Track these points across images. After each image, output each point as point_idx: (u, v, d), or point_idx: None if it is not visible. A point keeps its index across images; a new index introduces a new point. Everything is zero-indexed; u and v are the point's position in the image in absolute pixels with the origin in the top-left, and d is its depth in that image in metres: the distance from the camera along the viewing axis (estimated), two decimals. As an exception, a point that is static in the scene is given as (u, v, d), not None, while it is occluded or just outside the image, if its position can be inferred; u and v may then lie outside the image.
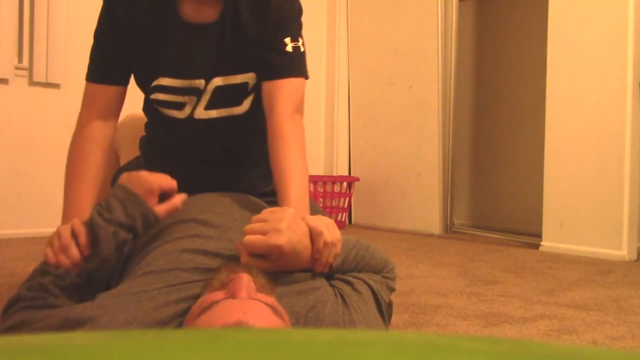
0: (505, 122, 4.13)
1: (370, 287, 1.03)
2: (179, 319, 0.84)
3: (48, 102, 3.10)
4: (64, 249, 0.96)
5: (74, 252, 0.96)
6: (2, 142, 3.03)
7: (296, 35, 1.21)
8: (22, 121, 3.05)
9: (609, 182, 2.77)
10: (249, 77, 1.21)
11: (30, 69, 3.05)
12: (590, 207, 2.83)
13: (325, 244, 0.93)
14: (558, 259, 2.71)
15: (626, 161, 2.73)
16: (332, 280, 1.00)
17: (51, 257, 0.96)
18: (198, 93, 1.21)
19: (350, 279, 1.01)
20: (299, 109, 1.19)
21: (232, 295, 0.74)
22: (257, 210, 1.01)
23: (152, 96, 1.24)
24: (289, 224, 0.90)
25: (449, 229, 3.75)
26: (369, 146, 4.10)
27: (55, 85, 3.12)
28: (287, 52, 1.18)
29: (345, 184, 3.99)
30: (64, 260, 0.96)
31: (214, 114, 1.23)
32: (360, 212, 4.15)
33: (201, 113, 1.23)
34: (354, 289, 0.99)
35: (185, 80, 1.20)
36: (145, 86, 1.25)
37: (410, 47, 3.82)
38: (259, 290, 0.79)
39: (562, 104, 2.95)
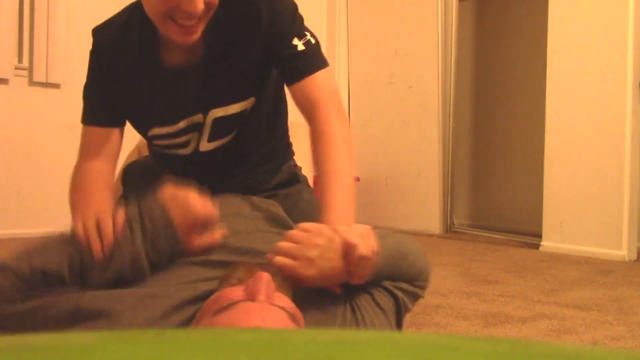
0: (505, 122, 4.13)
1: (395, 297, 0.98)
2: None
3: (48, 102, 3.10)
4: (99, 226, 0.91)
5: (109, 231, 0.90)
6: (2, 142, 3.03)
7: (301, 31, 1.18)
8: (22, 121, 3.05)
9: (609, 182, 2.77)
10: (246, 105, 1.19)
11: (30, 69, 3.05)
12: (590, 207, 2.83)
13: (360, 257, 0.88)
14: (558, 259, 2.71)
15: (626, 161, 2.73)
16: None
17: (82, 233, 0.91)
18: (199, 127, 1.19)
19: (371, 288, 0.96)
20: (337, 101, 1.16)
21: (251, 297, 0.74)
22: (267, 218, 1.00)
23: (154, 142, 1.23)
24: (321, 252, 0.87)
25: (449, 229, 3.75)
26: (369, 146, 4.10)
27: (55, 85, 3.12)
28: (301, 51, 1.15)
29: (345, 184, 3.99)
30: (95, 238, 0.90)
31: (218, 144, 1.22)
32: (360, 212, 4.13)
33: (205, 146, 1.22)
34: (373, 300, 0.95)
35: (180, 123, 1.18)
36: (142, 134, 1.24)
37: (410, 47, 3.82)
38: (277, 289, 0.78)
39: (562, 104, 2.95)
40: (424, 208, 3.75)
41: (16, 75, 3.04)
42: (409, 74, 3.82)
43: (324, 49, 1.26)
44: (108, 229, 0.91)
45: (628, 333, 1.47)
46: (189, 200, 0.94)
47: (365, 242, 0.89)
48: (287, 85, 1.18)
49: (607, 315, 1.64)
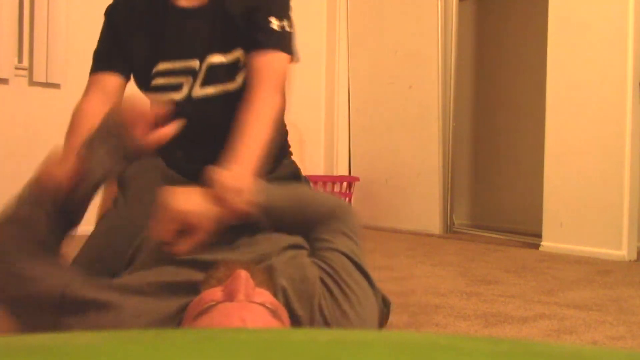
0: (505, 122, 4.13)
1: (343, 253, 1.01)
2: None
3: (48, 102, 3.10)
4: (60, 162, 0.98)
5: (70, 165, 0.97)
6: (2, 142, 3.03)
7: (282, 15, 1.26)
8: (22, 121, 3.05)
9: (609, 182, 2.77)
10: (240, 54, 1.27)
11: (30, 69, 3.05)
12: (590, 207, 2.83)
13: (226, 189, 0.98)
14: (558, 259, 2.71)
15: (626, 161, 2.73)
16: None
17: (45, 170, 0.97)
18: (194, 73, 1.27)
19: (319, 260, 0.99)
20: (280, 86, 1.24)
21: (230, 297, 0.74)
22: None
23: (153, 82, 1.29)
24: (177, 196, 0.96)
25: (449, 229, 3.75)
26: (369, 146, 4.10)
27: (55, 85, 3.12)
28: (272, 29, 1.24)
29: (345, 184, 3.99)
30: (59, 171, 0.96)
31: (210, 90, 1.27)
32: (360, 212, 4.14)
33: (198, 91, 1.28)
34: (330, 266, 0.98)
35: (181, 62, 1.26)
36: (146, 78, 1.30)
37: (410, 47, 3.82)
38: (257, 286, 0.78)
39: (562, 104, 2.95)
40: (424, 208, 3.75)
41: (16, 75, 3.04)
42: (409, 74, 3.82)
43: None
44: (69, 158, 0.99)
45: (628, 333, 1.47)
46: (140, 103, 1.04)
47: (236, 179, 1.00)
48: (246, 53, 1.25)
49: (607, 315, 1.64)
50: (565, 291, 1.97)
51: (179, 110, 1.27)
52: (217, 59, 1.26)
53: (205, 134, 1.30)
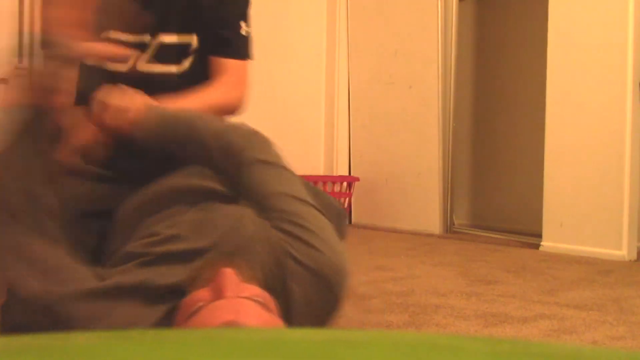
0: (505, 122, 4.13)
1: (284, 194, 0.98)
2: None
3: (48, 102, 3.10)
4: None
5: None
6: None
7: (248, 21, 1.31)
8: (22, 121, 3.05)
9: (609, 182, 2.77)
10: (192, 39, 1.27)
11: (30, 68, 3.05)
12: (590, 207, 2.83)
13: (103, 106, 1.02)
14: (558, 259, 2.71)
15: (626, 161, 2.73)
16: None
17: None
18: (144, 48, 1.27)
19: (272, 214, 0.96)
20: (243, 92, 1.29)
21: (218, 295, 0.74)
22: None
23: None
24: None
25: (449, 229, 3.75)
26: (369, 146, 4.09)
27: (55, 85, 3.12)
28: (242, 35, 1.28)
29: (345, 184, 3.99)
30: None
31: (155, 68, 1.28)
32: (360, 212, 4.15)
33: (143, 65, 1.28)
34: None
35: (133, 35, 1.26)
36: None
37: (410, 47, 3.81)
38: (245, 281, 0.78)
39: (562, 104, 2.95)
40: (424, 208, 3.75)
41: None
42: (409, 74, 3.82)
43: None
44: None
45: (628, 333, 1.47)
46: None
47: (124, 99, 1.03)
48: (210, 53, 1.28)
49: (607, 315, 1.64)
50: (565, 291, 1.97)
51: (121, 82, 1.27)
52: (169, 38, 1.27)
53: None
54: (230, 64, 1.28)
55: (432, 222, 3.70)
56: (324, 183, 3.88)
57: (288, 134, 4.04)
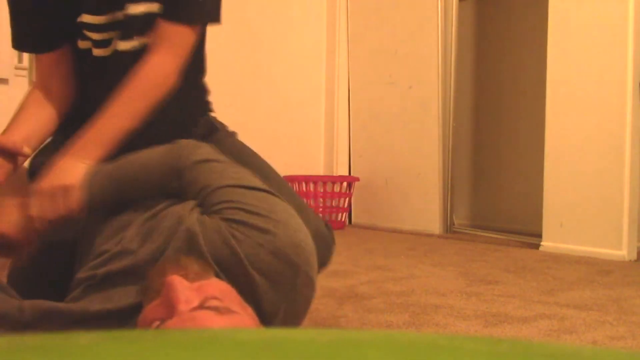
0: (505, 122, 4.13)
1: (225, 186, 0.94)
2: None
3: (48, 102, 3.10)
4: None
5: None
6: (2, 142, 3.02)
7: None
8: (22, 121, 3.04)
9: (609, 182, 2.77)
10: (153, 7, 1.18)
11: (30, 69, 3.05)
12: (590, 207, 2.83)
13: (39, 193, 0.96)
14: (558, 259, 2.71)
15: (626, 161, 2.73)
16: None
17: None
18: (120, 26, 1.20)
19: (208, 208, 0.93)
20: (180, 65, 1.17)
21: (171, 312, 0.72)
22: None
23: (80, 42, 1.23)
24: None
25: (449, 229, 3.75)
26: (369, 146, 4.10)
27: (55, 85, 3.12)
28: None
29: (345, 184, 3.99)
30: None
31: (133, 44, 1.20)
32: (360, 212, 4.15)
33: (122, 44, 1.20)
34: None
35: (106, 16, 1.19)
36: (71, 33, 1.24)
37: (410, 47, 3.82)
38: (195, 279, 0.77)
39: (562, 104, 2.95)
40: (424, 208, 3.75)
41: (16, 75, 3.03)
42: (409, 74, 3.82)
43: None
44: None
45: (628, 333, 1.47)
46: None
47: (53, 201, 0.96)
48: (160, 14, 1.17)
49: (607, 315, 1.64)
50: (565, 291, 1.97)
51: (107, 67, 1.23)
52: (134, 9, 1.17)
53: None
54: (166, 29, 1.15)
55: (432, 222, 3.71)
56: (324, 183, 3.88)
57: (288, 134, 4.04)
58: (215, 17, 1.22)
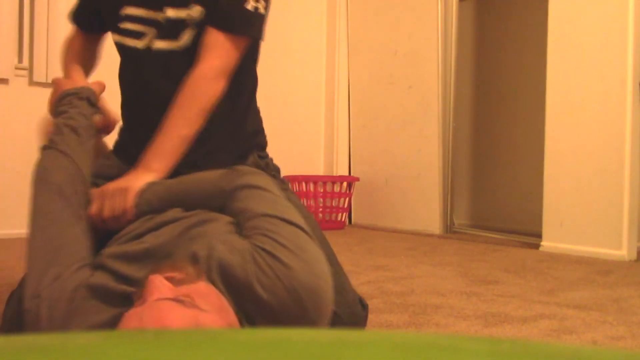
0: (505, 122, 4.13)
1: (264, 215, 0.96)
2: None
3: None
4: None
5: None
6: (2, 142, 3.02)
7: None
8: (22, 121, 3.05)
9: (609, 182, 2.77)
10: (196, 11, 1.21)
11: (30, 69, 3.05)
12: (590, 207, 2.83)
13: (100, 196, 1.06)
14: (558, 259, 2.71)
15: (626, 161, 2.73)
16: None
17: None
18: (156, 25, 1.25)
19: (246, 231, 0.95)
20: (227, 70, 1.21)
21: (142, 303, 0.74)
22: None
23: (121, 25, 1.29)
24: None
25: (449, 229, 3.75)
26: (369, 146, 4.10)
27: (55, 85, 3.12)
28: (246, 9, 1.19)
29: (345, 184, 3.99)
30: None
31: (163, 45, 1.25)
32: (360, 212, 4.15)
33: (156, 43, 1.25)
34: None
35: (146, 10, 1.25)
36: (113, 20, 1.30)
37: (410, 47, 3.82)
38: (182, 282, 0.78)
39: (562, 104, 2.95)
40: (424, 208, 3.75)
41: (16, 75, 3.03)
42: (409, 74, 3.82)
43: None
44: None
45: (628, 333, 1.47)
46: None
47: (112, 200, 1.06)
48: (207, 23, 1.21)
49: (607, 315, 1.64)
50: (565, 291, 1.97)
51: (138, 60, 1.29)
52: (172, 12, 1.22)
53: (158, 96, 1.26)
54: (214, 36, 1.19)
55: (432, 222, 3.71)
56: (324, 183, 3.88)
57: (288, 134, 4.04)
58: (258, 33, 1.27)
